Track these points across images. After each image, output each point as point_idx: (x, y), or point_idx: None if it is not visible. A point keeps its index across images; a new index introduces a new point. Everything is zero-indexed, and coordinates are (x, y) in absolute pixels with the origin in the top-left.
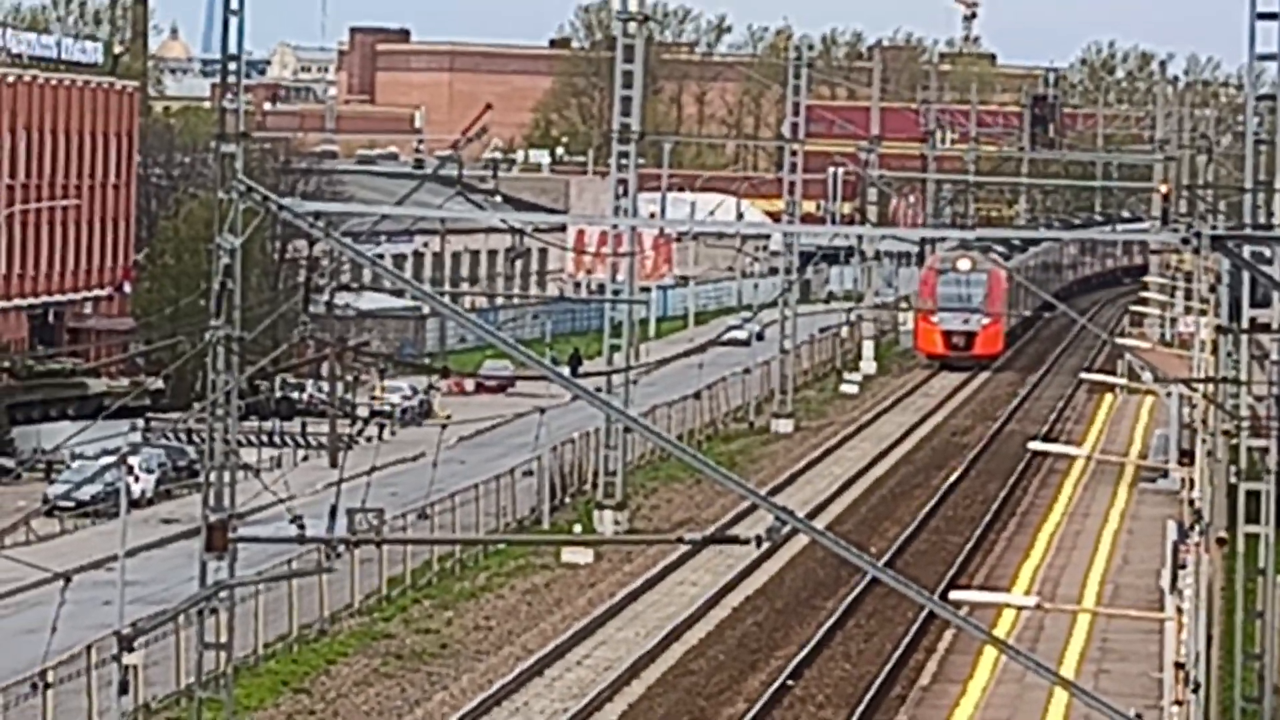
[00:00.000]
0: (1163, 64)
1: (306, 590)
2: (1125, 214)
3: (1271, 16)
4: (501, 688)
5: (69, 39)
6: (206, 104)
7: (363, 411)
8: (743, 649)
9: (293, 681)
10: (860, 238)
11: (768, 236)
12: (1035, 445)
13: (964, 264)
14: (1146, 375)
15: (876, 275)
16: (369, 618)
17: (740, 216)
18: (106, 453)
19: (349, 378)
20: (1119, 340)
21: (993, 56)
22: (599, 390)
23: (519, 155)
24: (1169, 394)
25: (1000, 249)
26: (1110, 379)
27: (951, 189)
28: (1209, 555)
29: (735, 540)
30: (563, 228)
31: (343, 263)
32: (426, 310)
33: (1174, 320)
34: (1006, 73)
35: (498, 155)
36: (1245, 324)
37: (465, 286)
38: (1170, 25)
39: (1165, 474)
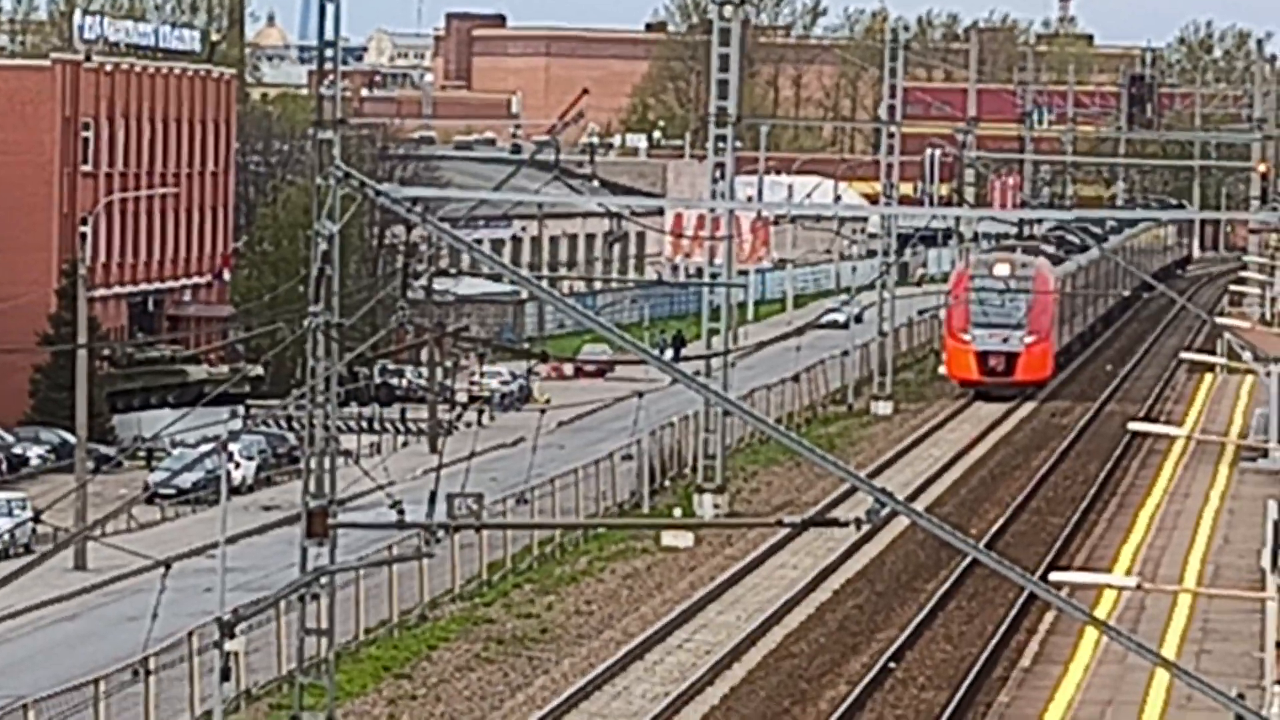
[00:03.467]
0: (1260, 42)
1: (407, 575)
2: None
3: None
4: (602, 672)
5: (166, 27)
6: (304, 91)
7: (462, 397)
8: (843, 632)
9: (394, 667)
10: (958, 219)
11: (865, 219)
12: (1135, 425)
13: (1002, 269)
14: (1246, 354)
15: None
16: (469, 603)
17: (838, 199)
18: (207, 440)
19: (448, 363)
20: (1219, 320)
21: (1090, 37)
22: (697, 374)
23: (616, 139)
24: (1269, 373)
25: (1075, 236)
26: (1209, 358)
27: (1049, 170)
28: None
29: (835, 523)
30: (660, 211)
31: (441, 248)
32: (525, 295)
33: (1274, 299)
34: (1103, 53)
35: (595, 140)
36: None
37: (563, 271)
38: (1269, 3)
39: (1266, 453)
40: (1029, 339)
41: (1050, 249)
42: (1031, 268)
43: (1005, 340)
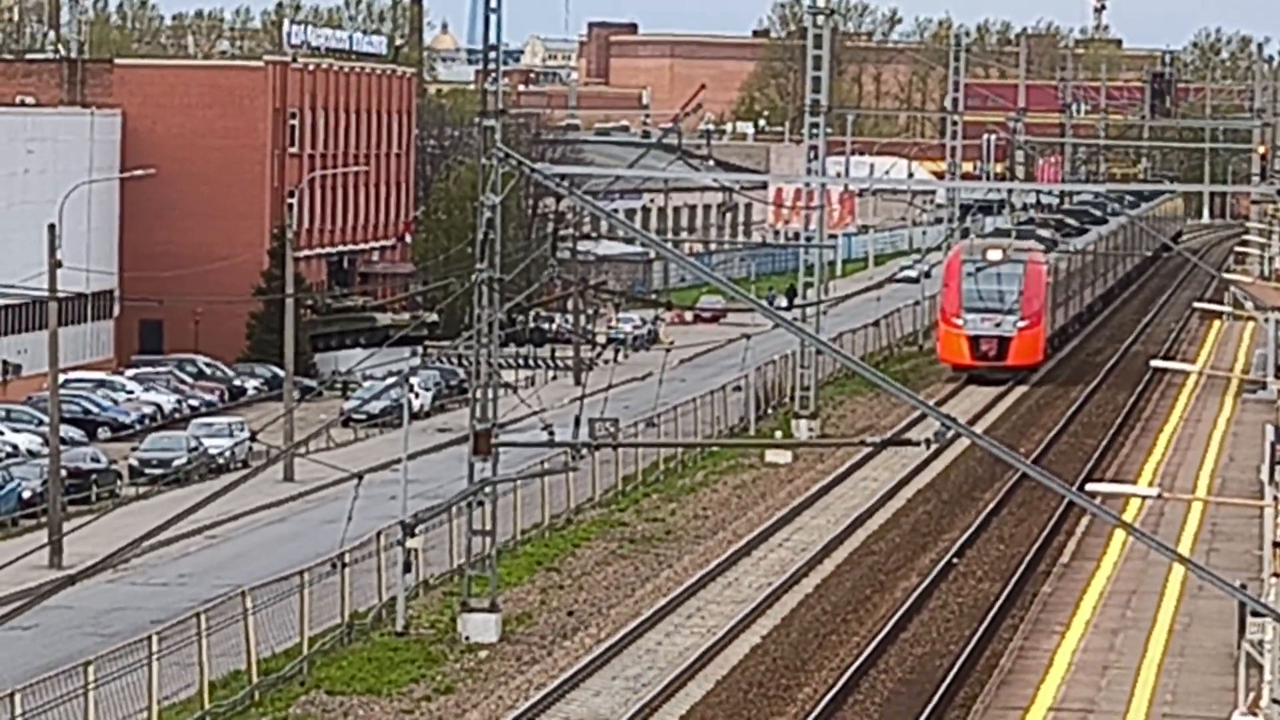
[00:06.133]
0: (1260, 45)
1: (556, 486)
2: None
3: None
4: (716, 566)
5: (358, 34)
6: (471, 87)
7: (601, 339)
8: (915, 533)
9: (545, 561)
10: (1010, 192)
11: (933, 192)
12: (1157, 363)
13: (994, 253)
14: (1249, 304)
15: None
16: (607, 509)
17: (910, 175)
18: (391, 374)
19: (589, 311)
20: (1226, 276)
21: (1119, 41)
22: (795, 320)
23: (728, 127)
24: (1267, 319)
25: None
26: (1218, 307)
27: (1085, 151)
28: None
29: (908, 443)
30: (764, 186)
31: (583, 216)
32: (653, 255)
33: (1272, 258)
34: (1130, 54)
35: (711, 127)
36: None
37: (684, 235)
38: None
39: (1264, 386)
40: (1021, 324)
41: (1046, 233)
42: (1024, 252)
43: (997, 325)
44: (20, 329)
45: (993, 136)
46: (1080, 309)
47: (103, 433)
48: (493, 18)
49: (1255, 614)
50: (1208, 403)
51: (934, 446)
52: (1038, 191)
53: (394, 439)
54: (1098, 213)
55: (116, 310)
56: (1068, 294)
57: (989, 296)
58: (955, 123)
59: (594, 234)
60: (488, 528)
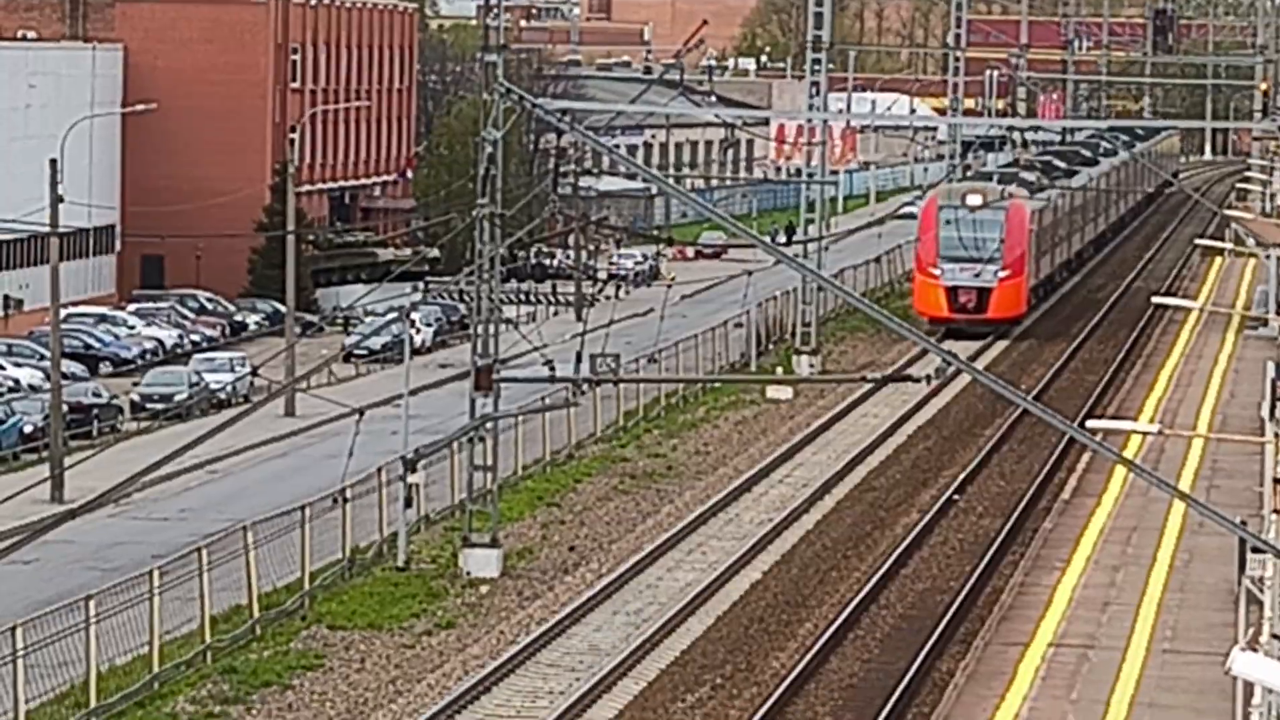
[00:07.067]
0: None
1: (557, 422)
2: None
3: None
4: (717, 502)
5: None
6: (473, 22)
7: (602, 275)
8: (915, 469)
9: (546, 497)
10: (1011, 128)
11: (935, 128)
12: (1158, 299)
13: (974, 199)
14: (1250, 241)
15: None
16: (608, 444)
17: (912, 112)
18: (393, 310)
19: (591, 247)
20: (1227, 212)
21: None
22: (796, 256)
23: (730, 63)
24: (1269, 256)
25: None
26: (1220, 244)
27: (1087, 88)
28: None
29: (909, 379)
30: (766, 122)
31: (585, 152)
32: (654, 190)
33: (1273, 195)
34: None
35: (712, 63)
36: None
37: (686, 171)
38: None
39: (1265, 322)
40: (1002, 274)
41: (1031, 176)
42: (1006, 197)
43: (977, 275)
44: (22, 264)
45: (995, 73)
46: (1068, 256)
47: (104, 368)
48: None
49: (1255, 550)
50: (1209, 339)
51: (935, 383)
52: (1040, 128)
53: (395, 374)
54: (1088, 153)
55: (118, 245)
56: (1054, 241)
57: (968, 245)
58: (957, 59)
59: (595, 170)
60: (489, 463)
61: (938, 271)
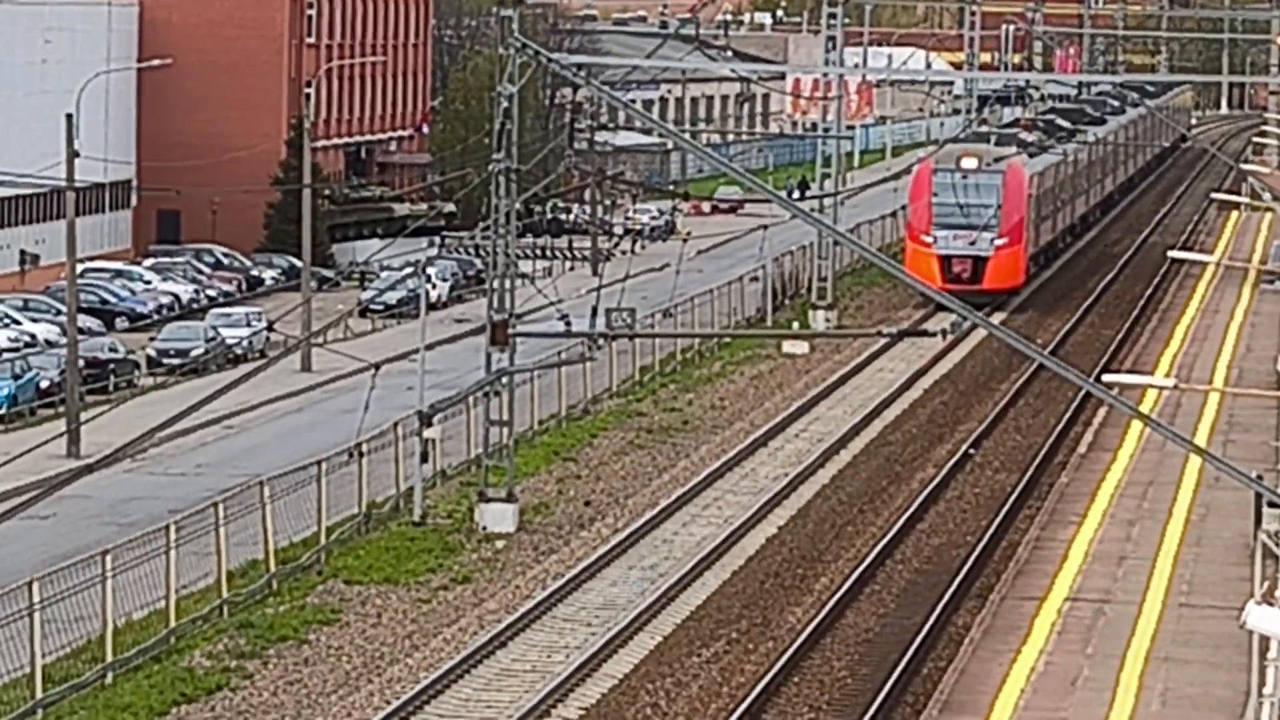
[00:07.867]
0: None
1: (573, 377)
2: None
3: None
4: (733, 456)
5: None
6: None
7: (618, 229)
8: (931, 424)
9: (562, 451)
10: (1027, 82)
11: (951, 83)
12: (1175, 253)
13: (969, 162)
14: (1266, 195)
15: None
16: (624, 399)
17: (929, 66)
18: (409, 264)
19: (607, 201)
20: (1244, 166)
21: None
22: (813, 210)
23: (746, 17)
24: None
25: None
26: (1236, 198)
27: (1103, 42)
28: None
29: (925, 333)
30: (782, 76)
31: (601, 106)
32: (670, 145)
33: None
34: None
35: (729, 17)
36: None
37: (702, 125)
38: None
39: None
40: (999, 242)
41: (1030, 138)
42: (1004, 160)
43: (972, 243)
44: (38, 219)
45: (1011, 27)
46: (1071, 221)
47: (120, 323)
48: None
49: (1271, 505)
50: (1225, 293)
51: (951, 337)
52: (1056, 81)
53: (411, 329)
54: (1094, 111)
55: (134, 200)
56: (1055, 206)
57: (963, 211)
58: (973, 13)
59: (611, 124)
60: (505, 418)
61: (930, 239)
